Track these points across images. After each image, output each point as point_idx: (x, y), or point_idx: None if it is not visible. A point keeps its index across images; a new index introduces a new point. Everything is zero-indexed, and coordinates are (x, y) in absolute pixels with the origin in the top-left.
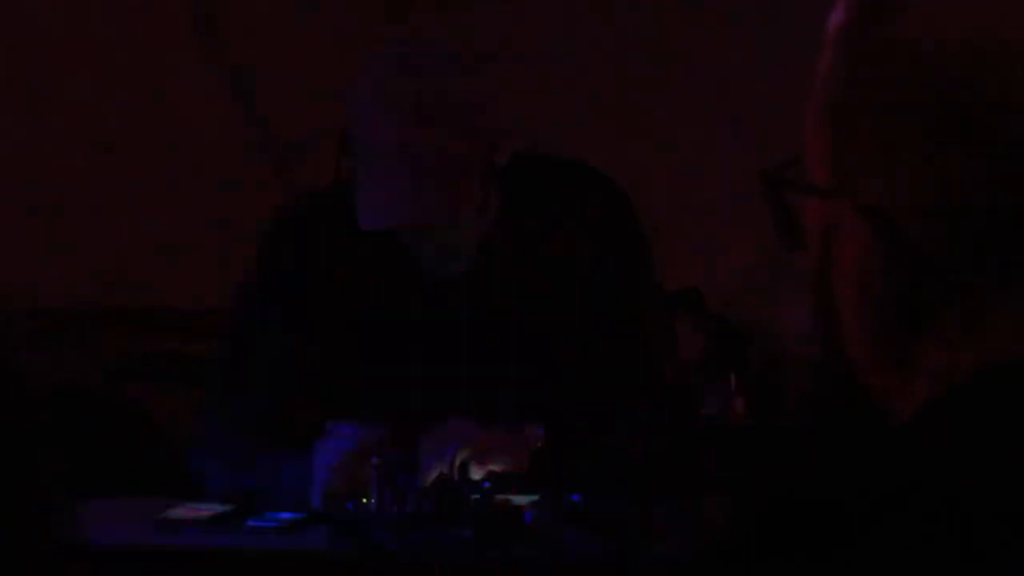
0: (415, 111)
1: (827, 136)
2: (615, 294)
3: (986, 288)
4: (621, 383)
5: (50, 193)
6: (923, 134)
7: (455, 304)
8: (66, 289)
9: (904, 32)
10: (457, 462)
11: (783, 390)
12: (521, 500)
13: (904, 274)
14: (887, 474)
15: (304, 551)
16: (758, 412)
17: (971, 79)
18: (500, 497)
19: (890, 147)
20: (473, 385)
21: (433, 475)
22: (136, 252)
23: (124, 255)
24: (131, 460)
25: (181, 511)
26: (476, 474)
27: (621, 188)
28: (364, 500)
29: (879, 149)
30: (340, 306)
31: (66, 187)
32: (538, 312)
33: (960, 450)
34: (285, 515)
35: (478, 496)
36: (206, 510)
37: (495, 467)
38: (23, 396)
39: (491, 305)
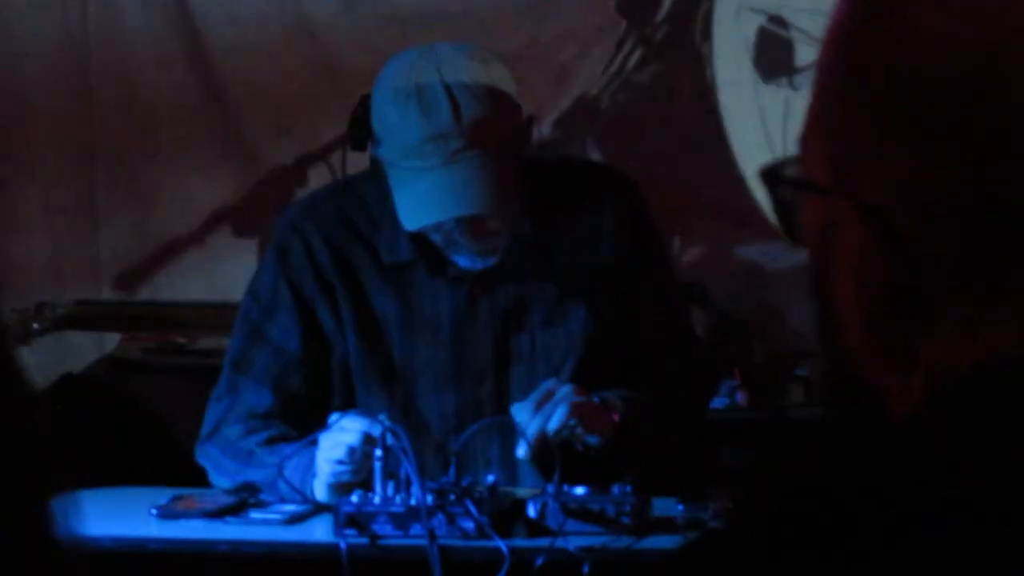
0: (453, 108)
1: (826, 133)
2: (643, 287)
3: (985, 285)
4: (662, 370)
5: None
6: (921, 131)
7: (483, 296)
8: (72, 284)
9: (902, 28)
10: (561, 424)
11: (787, 384)
12: (524, 492)
13: (902, 271)
14: (889, 472)
15: (308, 543)
16: (762, 405)
17: (970, 75)
18: (503, 489)
19: (888, 144)
20: (501, 377)
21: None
22: (140, 248)
23: (128, 251)
24: (136, 453)
25: (185, 502)
26: (583, 436)
27: (638, 186)
28: (367, 492)
29: (877, 146)
30: (360, 300)
31: (73, 185)
32: (567, 304)
33: (962, 449)
34: (289, 507)
35: (482, 489)
36: (211, 501)
37: (586, 436)
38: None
39: (519, 297)
